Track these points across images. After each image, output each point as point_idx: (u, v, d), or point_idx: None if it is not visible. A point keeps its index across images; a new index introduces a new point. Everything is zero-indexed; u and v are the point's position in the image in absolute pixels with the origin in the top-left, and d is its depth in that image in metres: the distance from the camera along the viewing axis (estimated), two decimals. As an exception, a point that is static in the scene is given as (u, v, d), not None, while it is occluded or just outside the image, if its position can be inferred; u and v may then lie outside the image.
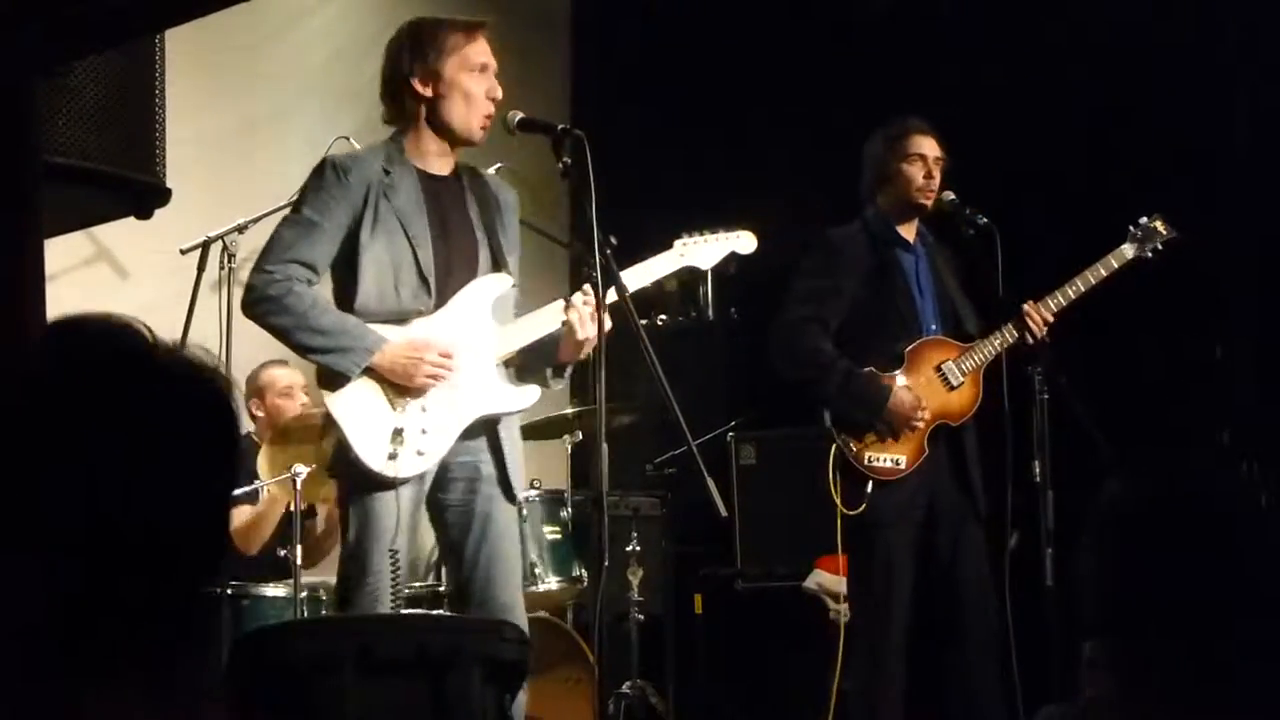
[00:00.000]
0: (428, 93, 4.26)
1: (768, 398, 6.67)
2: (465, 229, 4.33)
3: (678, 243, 4.52)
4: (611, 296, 3.97)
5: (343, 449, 4.14)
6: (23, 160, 2.52)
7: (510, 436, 4.32)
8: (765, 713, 6.33)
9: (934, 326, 5.19)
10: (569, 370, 4.39)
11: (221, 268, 5.40)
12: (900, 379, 5.09)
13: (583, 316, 4.20)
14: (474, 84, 4.26)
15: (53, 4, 2.41)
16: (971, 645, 5.01)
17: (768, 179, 7.25)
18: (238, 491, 5.51)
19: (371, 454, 4.08)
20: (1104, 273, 5.22)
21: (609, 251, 4.00)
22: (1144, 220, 5.32)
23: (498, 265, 4.34)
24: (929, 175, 5.20)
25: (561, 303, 4.28)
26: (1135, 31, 6.29)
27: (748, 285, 7.27)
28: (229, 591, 5.29)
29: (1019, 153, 6.50)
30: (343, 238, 4.18)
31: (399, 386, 4.14)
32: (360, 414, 4.12)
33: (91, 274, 5.89)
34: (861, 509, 4.99)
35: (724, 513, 3.84)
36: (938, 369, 5.12)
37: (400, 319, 4.18)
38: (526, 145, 4.37)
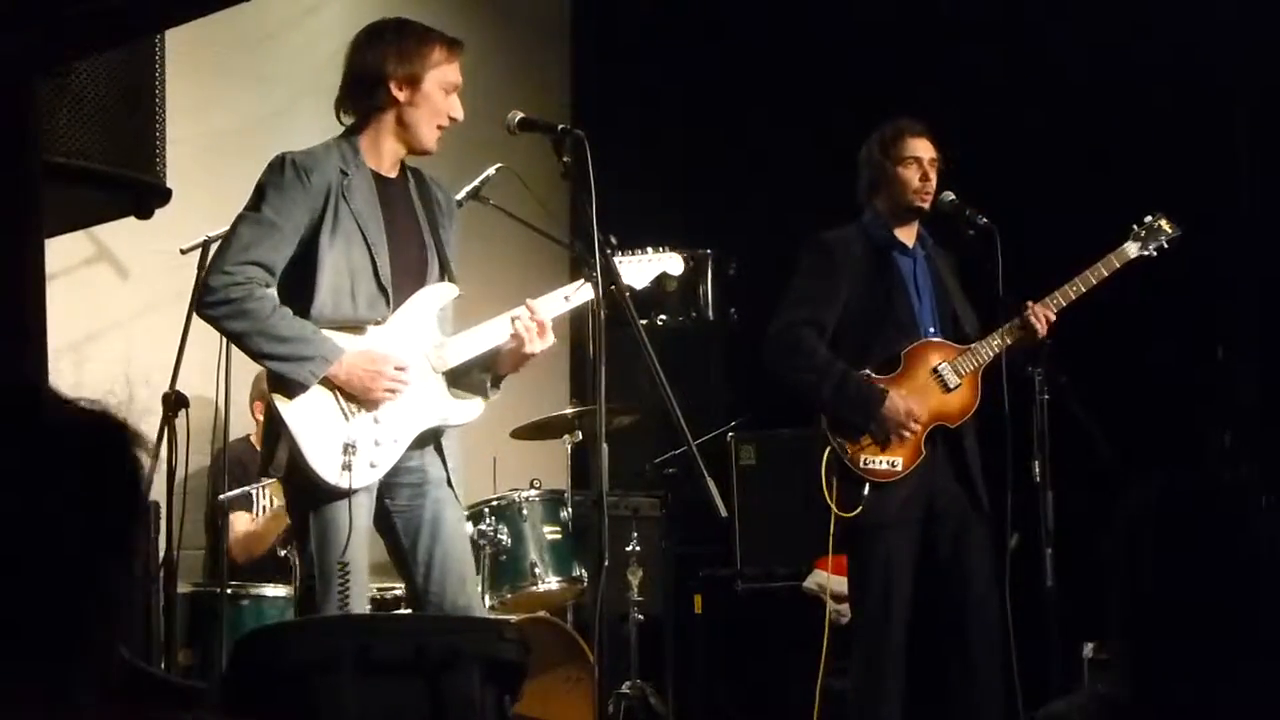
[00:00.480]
0: (401, 97, 4.24)
1: (768, 398, 6.67)
2: (414, 235, 4.31)
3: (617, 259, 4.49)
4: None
5: (295, 458, 4.12)
6: (24, 160, 2.52)
7: (451, 444, 4.31)
8: (764, 713, 6.33)
9: (932, 329, 5.19)
10: (502, 381, 4.37)
11: (221, 268, 5.39)
12: (882, 384, 5.09)
13: (530, 331, 4.21)
14: (442, 101, 4.26)
15: (53, 4, 2.41)
16: (974, 645, 5.00)
17: (768, 179, 7.26)
18: (237, 491, 5.53)
19: (324, 465, 4.05)
20: (1105, 272, 5.21)
21: (609, 251, 4.00)
22: (1148, 218, 5.31)
23: (444, 273, 4.32)
24: (925, 177, 5.20)
25: (508, 317, 4.27)
26: (1137, 29, 6.29)
27: (748, 286, 7.30)
28: (228, 591, 5.30)
29: (1019, 153, 6.50)
30: (300, 240, 4.13)
31: (352, 397, 4.12)
32: (313, 424, 4.08)
33: (92, 274, 5.90)
34: (858, 511, 4.97)
35: (724, 513, 3.84)
36: (934, 370, 5.12)
37: (355, 327, 4.16)
38: (527, 145, 4.37)
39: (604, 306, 4.00)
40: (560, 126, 4.07)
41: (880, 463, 5.02)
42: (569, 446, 6.15)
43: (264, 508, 5.86)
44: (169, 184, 3.35)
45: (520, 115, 4.17)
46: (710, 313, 7.24)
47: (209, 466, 5.78)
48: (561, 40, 8.03)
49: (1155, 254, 5.29)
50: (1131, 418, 5.65)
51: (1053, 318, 5.10)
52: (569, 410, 6.14)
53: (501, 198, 5.43)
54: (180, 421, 5.07)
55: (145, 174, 3.17)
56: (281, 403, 4.10)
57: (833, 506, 4.99)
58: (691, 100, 7.62)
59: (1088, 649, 5.46)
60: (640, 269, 4.58)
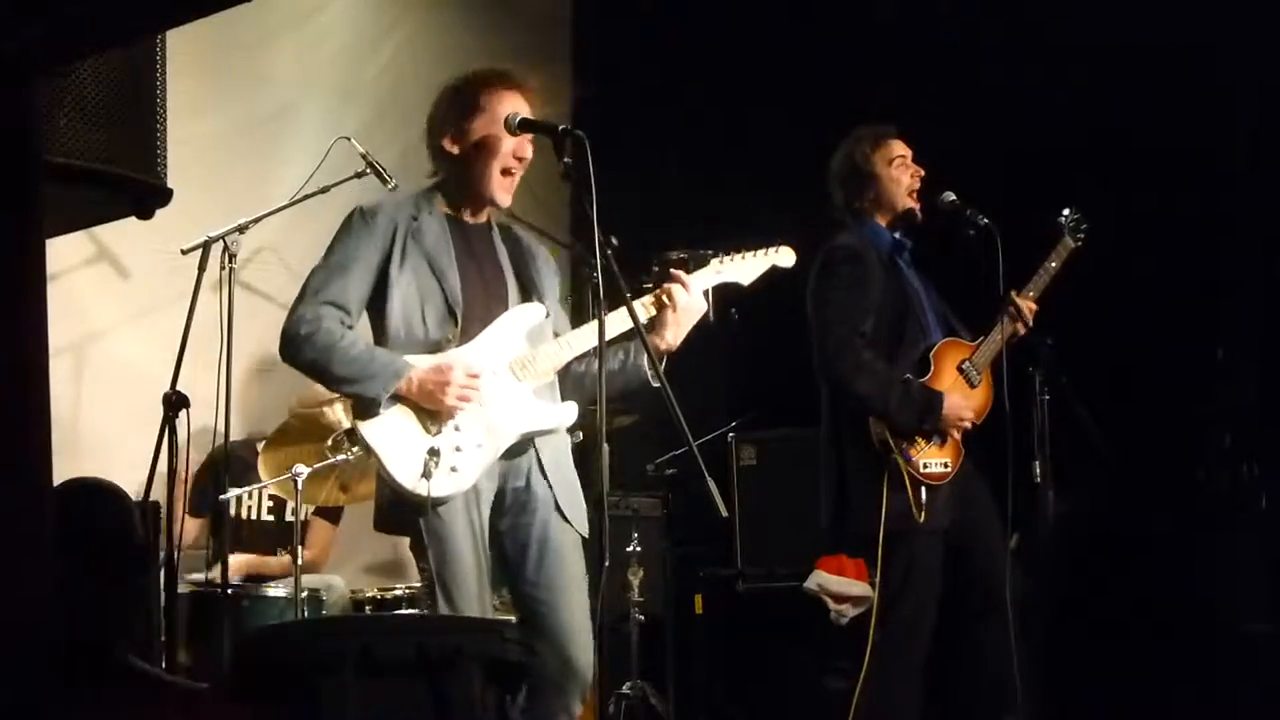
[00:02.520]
0: (455, 151, 4.29)
1: (768, 398, 6.68)
2: (493, 267, 4.34)
3: (714, 261, 4.50)
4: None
5: (380, 475, 4.14)
6: (24, 160, 2.52)
7: (555, 460, 4.28)
8: (765, 713, 6.33)
9: (938, 329, 5.20)
10: (663, 362, 4.25)
11: (222, 268, 5.39)
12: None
13: (679, 292, 4.26)
14: (503, 146, 4.26)
15: (54, 4, 2.41)
16: (997, 621, 4.99)
17: (769, 180, 7.25)
18: (238, 491, 5.53)
19: (405, 474, 4.07)
20: (1058, 262, 5.30)
21: (609, 252, 4.00)
22: (1065, 211, 5.40)
23: (527, 299, 4.34)
24: (915, 175, 5.23)
25: (587, 326, 4.25)
26: (1135, 29, 6.29)
27: (749, 286, 7.30)
28: (230, 591, 5.31)
29: (1015, 151, 6.50)
30: (374, 278, 4.20)
31: (429, 412, 4.13)
32: (394, 438, 4.11)
33: (93, 274, 5.90)
34: (922, 518, 4.95)
35: (724, 513, 3.83)
36: (960, 369, 5.14)
37: (429, 349, 4.18)
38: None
39: (604, 307, 4.00)
40: (560, 127, 4.07)
41: (935, 465, 5.02)
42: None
43: (249, 509, 5.87)
44: (170, 184, 3.35)
45: (521, 116, 4.18)
46: (711, 313, 7.23)
47: (207, 465, 5.79)
48: (562, 40, 8.04)
49: (1079, 244, 5.36)
50: (1131, 418, 5.66)
51: (1034, 307, 5.16)
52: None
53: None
54: (181, 422, 5.07)
55: (146, 174, 3.16)
56: (363, 425, 4.14)
57: (885, 511, 4.96)
58: (692, 100, 7.62)
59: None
60: (747, 266, 4.54)
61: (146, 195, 3.22)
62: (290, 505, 5.55)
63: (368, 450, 4.14)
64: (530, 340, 4.29)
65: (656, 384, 4.12)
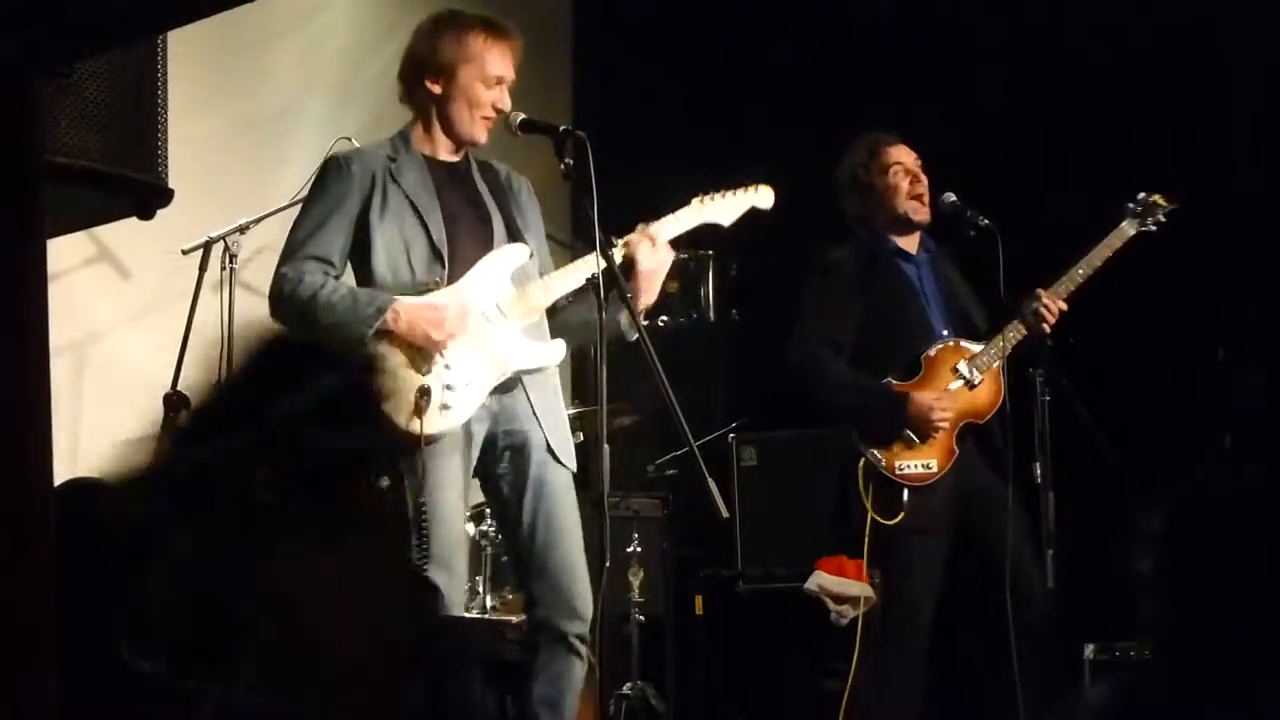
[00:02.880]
0: (437, 90, 4.30)
1: (769, 399, 6.67)
2: (477, 207, 4.36)
3: (695, 200, 4.49)
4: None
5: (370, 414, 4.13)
6: (24, 160, 2.51)
7: (546, 403, 4.31)
8: (766, 714, 6.32)
9: (945, 332, 5.20)
10: (643, 317, 4.25)
11: (223, 268, 5.40)
12: (905, 389, 5.11)
13: (644, 247, 4.22)
14: (483, 93, 4.29)
15: (55, 4, 2.41)
16: (1028, 614, 4.98)
17: (769, 180, 7.24)
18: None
19: (397, 413, 4.07)
20: (1108, 253, 5.23)
21: (610, 253, 3.99)
22: (1142, 195, 5.33)
23: (513, 239, 4.34)
24: (915, 180, 5.22)
25: (589, 258, 4.21)
26: (1137, 26, 6.28)
27: (749, 287, 7.30)
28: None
29: (1018, 151, 6.49)
30: (354, 227, 4.21)
31: (420, 350, 4.13)
32: (383, 378, 4.10)
33: (93, 274, 5.89)
34: (900, 518, 4.99)
35: (725, 514, 3.84)
36: (955, 370, 5.14)
37: (417, 292, 4.19)
38: (528, 146, 4.37)
39: (604, 308, 4.00)
40: (561, 127, 4.07)
41: (915, 466, 5.06)
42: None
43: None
44: (171, 184, 3.34)
45: (522, 116, 4.18)
46: (711, 314, 7.24)
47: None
48: (564, 40, 8.03)
49: (1154, 229, 5.29)
50: (1132, 419, 5.65)
51: (1064, 306, 5.12)
52: (570, 411, 6.12)
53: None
54: (181, 422, 5.06)
55: (147, 174, 3.15)
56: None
57: (876, 517, 5.00)
58: (692, 101, 7.61)
59: (1088, 650, 5.47)
60: (727, 205, 4.53)
61: (147, 196, 3.21)
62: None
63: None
64: (515, 281, 4.29)
65: (634, 337, 4.12)
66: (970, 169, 5.45)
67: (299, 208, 5.60)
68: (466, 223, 4.31)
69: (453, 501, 4.14)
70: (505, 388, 4.23)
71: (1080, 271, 5.18)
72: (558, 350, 4.31)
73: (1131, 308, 5.81)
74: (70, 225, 3.63)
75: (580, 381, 6.94)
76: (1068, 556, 4.95)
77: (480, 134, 4.34)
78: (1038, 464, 5.00)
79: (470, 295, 4.21)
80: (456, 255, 4.24)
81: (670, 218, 4.38)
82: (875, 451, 5.09)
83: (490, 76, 4.29)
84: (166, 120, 3.20)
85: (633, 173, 6.16)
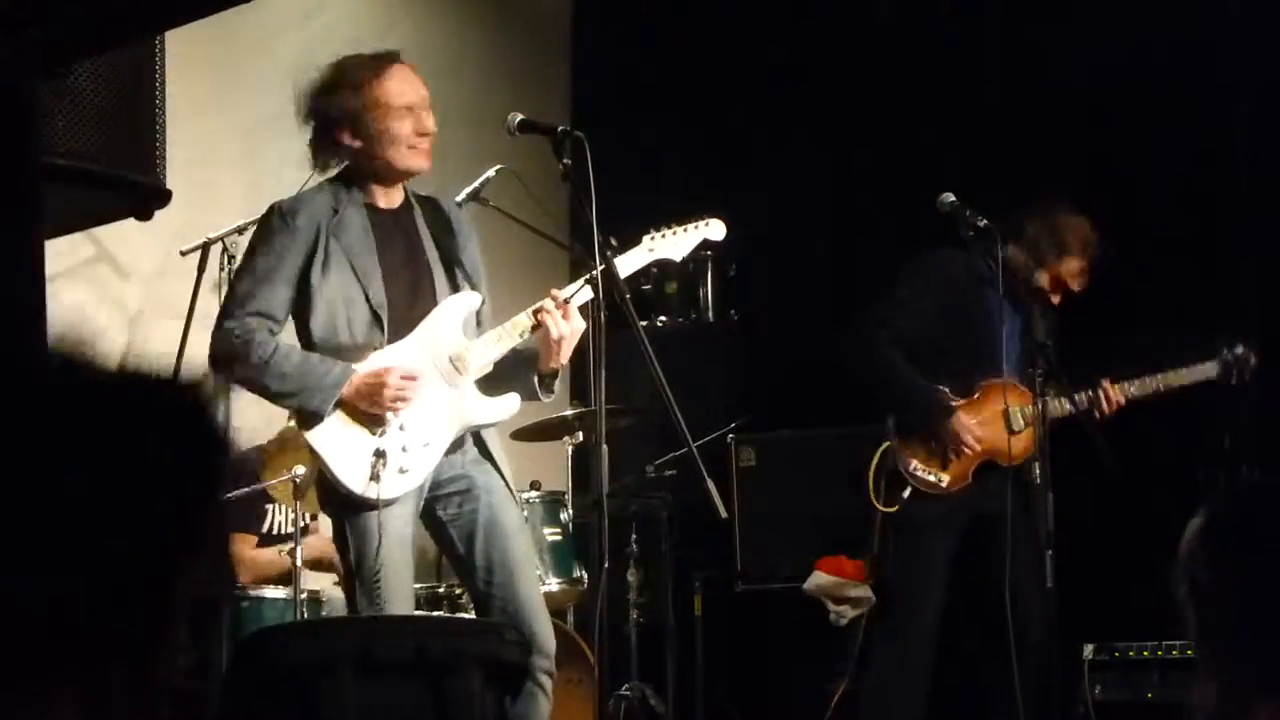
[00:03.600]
0: (355, 145, 4.21)
1: (768, 400, 6.67)
2: (418, 259, 4.29)
3: (645, 239, 4.45)
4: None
5: (326, 480, 4.14)
6: (23, 161, 2.52)
7: (494, 444, 4.31)
8: (765, 714, 6.33)
9: (1014, 370, 5.21)
10: (556, 379, 4.32)
11: (221, 269, 5.39)
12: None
13: (554, 317, 4.16)
14: (404, 125, 4.19)
15: (54, 4, 2.41)
16: (1029, 655, 5.00)
17: (768, 180, 7.25)
18: (238, 492, 5.51)
19: (353, 478, 4.06)
20: (1183, 381, 5.32)
21: (609, 253, 3.99)
22: (1239, 348, 5.36)
23: (456, 289, 4.30)
24: (1067, 276, 5.24)
25: (526, 313, 4.23)
26: (1138, 29, 6.28)
27: (748, 287, 7.29)
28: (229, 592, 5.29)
29: (1017, 153, 6.49)
30: (296, 280, 4.16)
31: (373, 416, 4.12)
32: (340, 443, 4.10)
33: (92, 274, 5.88)
34: (894, 509, 5.05)
35: (723, 514, 3.84)
36: (1005, 411, 5.16)
37: (355, 356, 4.15)
38: (526, 146, 4.36)
39: (604, 308, 4.01)
40: (560, 128, 4.07)
41: (928, 474, 5.16)
42: (569, 448, 6.15)
43: (279, 523, 5.84)
44: (169, 185, 3.34)
45: (520, 117, 4.16)
46: (710, 314, 7.24)
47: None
48: (562, 41, 8.03)
49: (1235, 383, 5.34)
50: (1132, 421, 5.65)
51: (1122, 403, 5.21)
52: (569, 412, 6.13)
53: (502, 199, 5.43)
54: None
55: (145, 175, 3.15)
56: (309, 432, 4.14)
57: (873, 500, 5.09)
58: (691, 102, 7.60)
59: (1087, 650, 5.48)
60: (679, 241, 4.50)
61: (146, 196, 3.22)
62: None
63: (314, 456, 4.13)
64: (465, 329, 4.27)
65: (548, 399, 4.29)
66: (972, 168, 5.44)
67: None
68: (407, 278, 4.25)
69: (405, 559, 4.13)
70: (458, 441, 4.23)
71: (1151, 385, 5.27)
72: (512, 404, 4.28)
73: (1129, 305, 5.81)
74: (69, 226, 3.63)
75: (578, 382, 6.95)
76: (1067, 557, 4.94)
77: (419, 162, 4.24)
78: (1036, 463, 5.01)
79: (418, 353, 4.18)
80: (396, 315, 4.19)
81: (618, 260, 4.31)
82: (902, 442, 5.15)
83: (399, 109, 4.19)
84: (164, 121, 3.20)
85: (632, 174, 6.18)
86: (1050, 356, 5.10)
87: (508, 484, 4.27)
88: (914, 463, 5.15)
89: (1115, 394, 5.19)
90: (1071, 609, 4.97)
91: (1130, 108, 6.41)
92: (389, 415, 4.10)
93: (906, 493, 5.12)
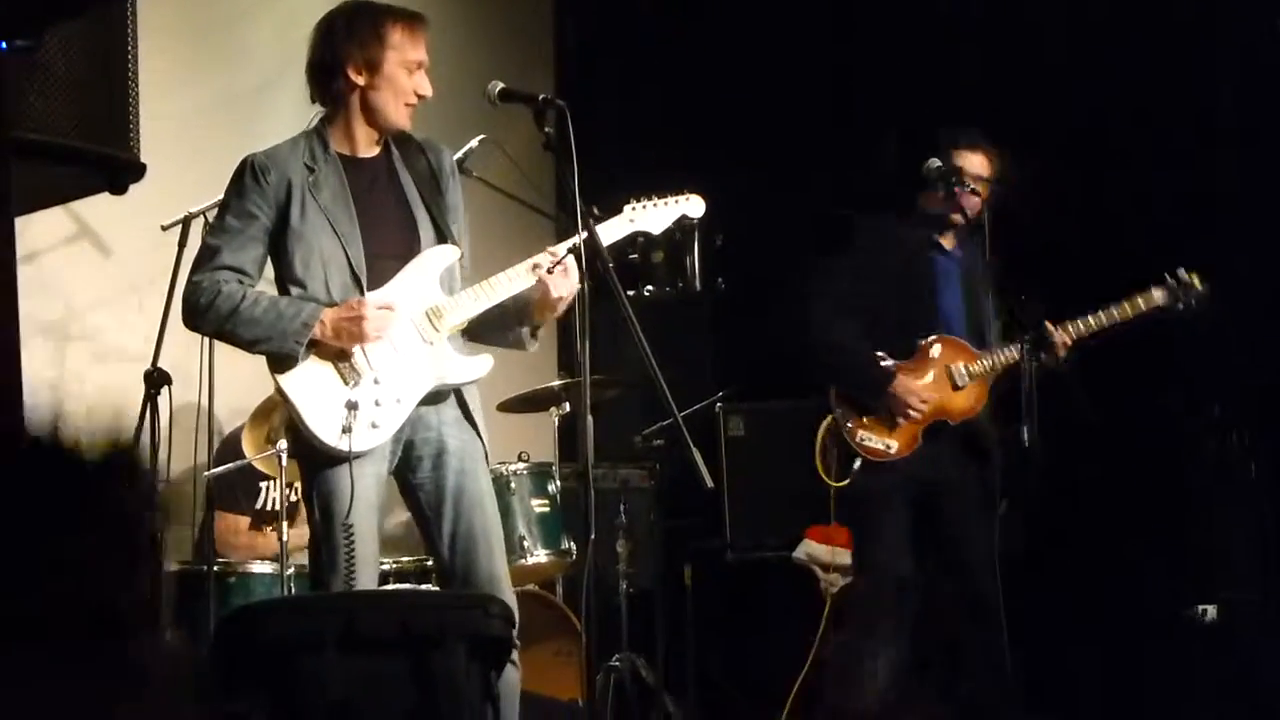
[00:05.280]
0: (361, 81, 4.20)
1: (756, 369, 6.65)
2: (399, 211, 4.27)
3: (626, 208, 4.44)
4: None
5: (295, 427, 4.13)
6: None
7: (475, 405, 4.28)
8: (755, 684, 6.32)
9: (954, 330, 5.20)
10: (540, 329, 4.34)
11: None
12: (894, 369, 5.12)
13: (553, 279, 4.15)
14: (406, 80, 4.21)
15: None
16: (981, 625, 4.99)
17: (753, 152, 7.22)
18: (226, 467, 5.48)
19: (324, 429, 4.05)
20: (1130, 313, 5.22)
21: (591, 222, 3.96)
22: (1181, 272, 5.28)
23: (441, 238, 4.27)
24: (968, 195, 5.18)
25: (521, 266, 4.22)
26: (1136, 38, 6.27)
27: (735, 257, 7.27)
28: (215, 569, 5.27)
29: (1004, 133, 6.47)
30: (269, 237, 4.15)
31: (349, 361, 4.10)
32: (312, 390, 4.08)
33: (74, 251, 5.85)
34: (846, 483, 5.03)
35: (709, 484, 3.83)
36: (946, 369, 5.14)
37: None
38: (510, 116, 4.33)
39: (588, 278, 3.98)
40: (541, 97, 4.03)
41: (876, 442, 5.11)
42: (556, 419, 6.13)
43: (273, 500, 5.82)
44: (150, 160, 3.31)
45: (501, 86, 4.13)
46: (697, 283, 7.22)
47: (208, 446, 5.74)
48: (545, 9, 7.99)
49: (1181, 309, 5.26)
50: (1120, 386, 5.64)
51: (1069, 342, 5.11)
52: (556, 383, 6.11)
53: (485, 169, 5.40)
54: (163, 399, 5.04)
55: (119, 149, 3.12)
56: (279, 376, 4.12)
57: (823, 475, 5.06)
58: (676, 71, 7.57)
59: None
60: (658, 214, 4.49)
61: (120, 170, 3.18)
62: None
63: (285, 401, 4.11)
64: (443, 283, 4.24)
65: (533, 348, 4.31)
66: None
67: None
68: (388, 233, 4.23)
69: (372, 521, 4.11)
70: (430, 397, 4.20)
71: (1095, 320, 5.17)
72: (485, 364, 4.26)
73: (1115, 272, 5.79)
74: (42, 201, 3.59)
75: (565, 353, 6.93)
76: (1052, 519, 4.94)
77: (405, 120, 4.25)
78: (1025, 427, 4.98)
79: (399, 304, 4.16)
80: (376, 278, 4.17)
81: (599, 227, 4.29)
82: (844, 413, 5.12)
83: (411, 62, 4.21)
84: (138, 94, 3.16)
85: (616, 143, 6.15)
86: (1018, 310, 5.06)
87: (485, 450, 4.25)
88: (860, 432, 5.11)
89: (1060, 335, 5.11)
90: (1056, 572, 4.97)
91: (1122, 71, 6.39)
92: (366, 363, 4.08)
93: (857, 464, 5.09)
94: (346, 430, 4.02)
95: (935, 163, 5.18)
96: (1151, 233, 5.97)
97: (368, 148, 4.28)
